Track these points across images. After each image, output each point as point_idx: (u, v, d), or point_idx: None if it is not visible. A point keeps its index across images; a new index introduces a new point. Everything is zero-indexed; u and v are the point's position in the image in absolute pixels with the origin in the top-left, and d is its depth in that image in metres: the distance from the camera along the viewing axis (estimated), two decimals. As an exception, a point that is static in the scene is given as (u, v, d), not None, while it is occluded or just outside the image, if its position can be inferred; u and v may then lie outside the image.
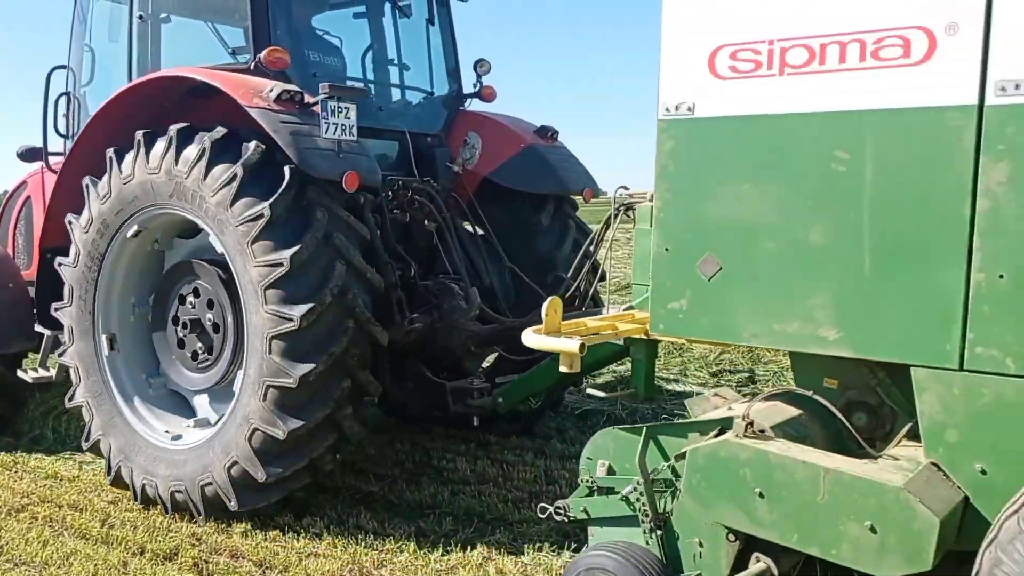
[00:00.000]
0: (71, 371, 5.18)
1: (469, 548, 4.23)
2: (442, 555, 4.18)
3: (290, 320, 4.08)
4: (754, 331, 2.99)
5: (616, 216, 4.04)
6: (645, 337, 3.41)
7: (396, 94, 5.95)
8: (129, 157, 4.73)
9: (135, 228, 4.79)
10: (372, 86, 5.77)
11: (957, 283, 2.58)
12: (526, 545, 4.26)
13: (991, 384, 2.55)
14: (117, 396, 4.99)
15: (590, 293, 4.78)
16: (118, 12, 5.57)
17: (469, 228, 5.80)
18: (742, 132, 2.98)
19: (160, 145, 4.53)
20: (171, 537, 4.39)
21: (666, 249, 3.17)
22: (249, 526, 4.46)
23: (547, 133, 5.91)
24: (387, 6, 5.82)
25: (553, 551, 4.22)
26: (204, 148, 4.33)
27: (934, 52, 2.61)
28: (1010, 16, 2.49)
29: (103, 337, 5.04)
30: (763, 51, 2.91)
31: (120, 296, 5.10)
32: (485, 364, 5.99)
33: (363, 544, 4.27)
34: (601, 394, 4.08)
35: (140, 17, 5.27)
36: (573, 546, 4.18)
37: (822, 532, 2.63)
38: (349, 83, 5.50)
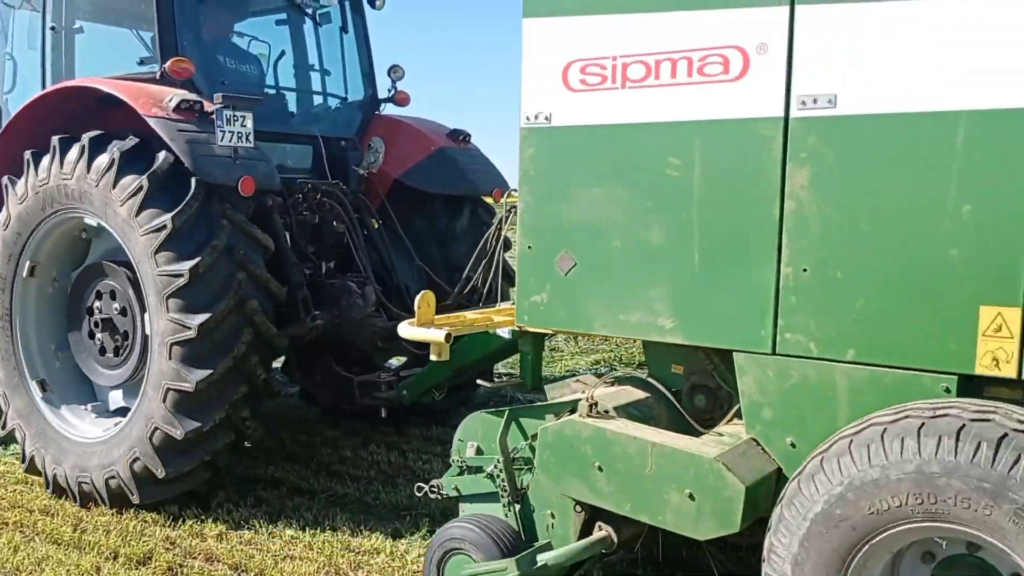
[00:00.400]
0: None
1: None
2: (419, 556, 4.13)
3: (188, 328, 4.28)
4: (604, 322, 3.28)
5: (507, 218, 4.30)
6: (517, 329, 3.68)
7: (313, 100, 6.16)
8: (45, 161, 4.89)
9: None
10: (287, 92, 5.98)
11: (769, 276, 2.89)
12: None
13: (797, 367, 2.86)
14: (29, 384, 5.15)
15: (497, 289, 5.04)
16: (36, 21, 5.71)
17: (392, 230, 6.02)
18: (591, 140, 3.27)
19: (73, 152, 4.69)
20: (144, 541, 4.37)
21: (528, 247, 3.44)
22: (224, 528, 4.49)
23: (459, 136, 6.16)
24: (304, 14, 6.02)
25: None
26: (114, 158, 4.50)
27: (748, 69, 2.91)
28: (809, 38, 2.80)
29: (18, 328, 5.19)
30: (608, 66, 3.20)
31: (38, 284, 5.23)
32: (397, 361, 6.23)
33: (339, 546, 4.28)
34: (488, 384, 4.35)
35: (52, 28, 5.42)
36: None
37: (650, 501, 2.92)
38: (266, 90, 5.71)
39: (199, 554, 4.25)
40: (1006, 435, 2.27)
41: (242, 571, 4.08)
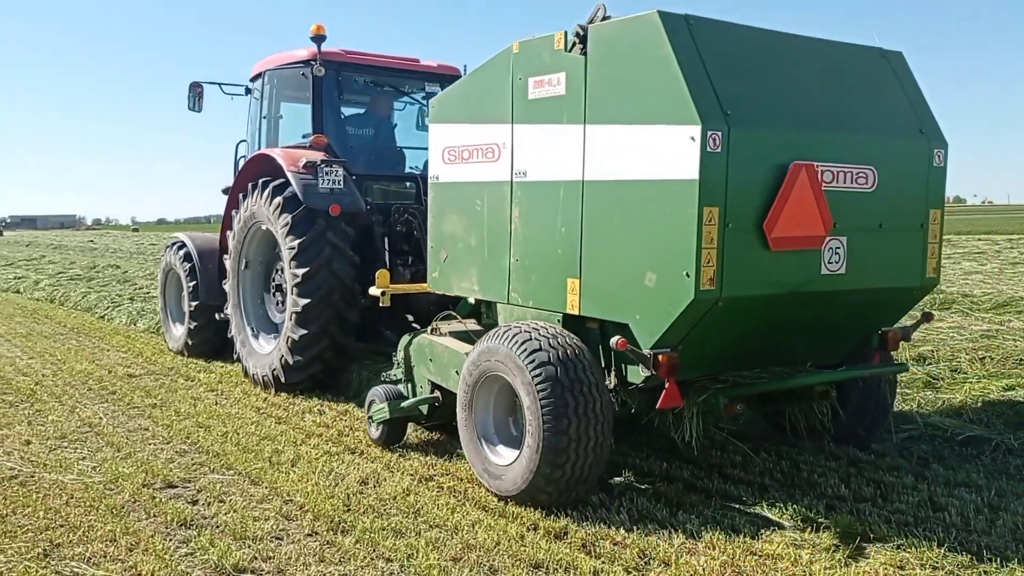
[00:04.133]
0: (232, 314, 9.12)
1: (851, 565, 4.16)
2: (826, 569, 4.10)
3: (298, 307, 7.64)
4: (457, 288, 6.11)
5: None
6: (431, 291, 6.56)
7: (416, 152, 9.31)
8: (250, 196, 8.58)
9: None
10: (398, 148, 9.25)
11: (506, 263, 5.56)
12: (918, 570, 4.10)
13: (516, 310, 5.53)
14: (244, 323, 8.90)
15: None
16: (255, 106, 9.54)
17: None
18: (452, 190, 6.11)
19: (258, 190, 8.30)
20: (557, 518, 4.70)
21: (431, 246, 6.35)
22: (627, 516, 4.73)
23: None
24: (405, 99, 9.27)
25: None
26: (273, 195, 8.01)
27: (500, 156, 5.62)
28: (518, 142, 5.45)
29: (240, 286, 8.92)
30: (458, 151, 6.04)
31: (253, 266, 8.95)
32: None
33: (741, 548, 4.32)
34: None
35: (264, 117, 9.20)
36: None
37: (446, 375, 5.74)
38: (381, 147, 9.06)
39: (608, 536, 4.49)
40: (527, 336, 4.85)
41: (649, 558, 4.24)
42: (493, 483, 5.06)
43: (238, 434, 6.58)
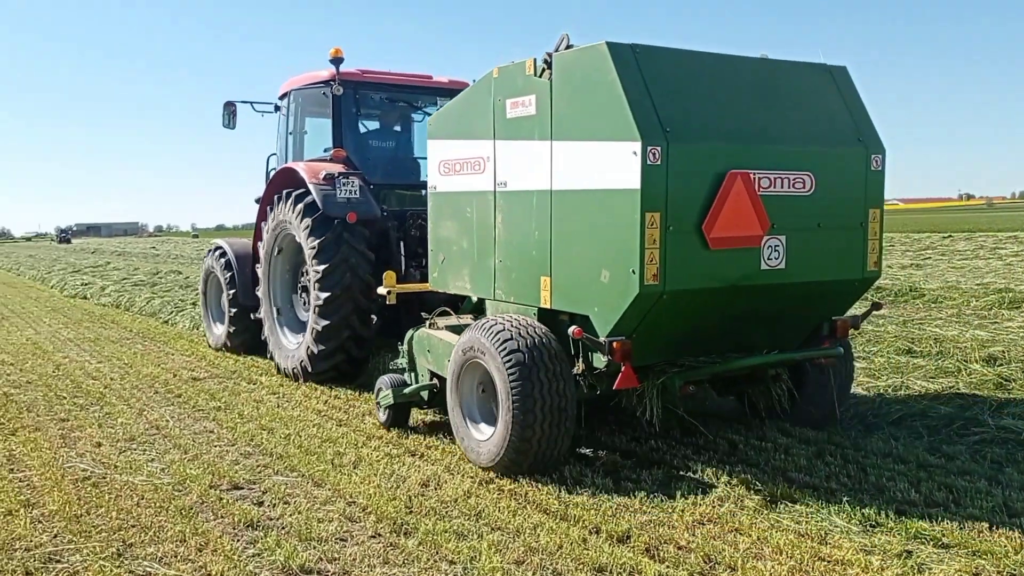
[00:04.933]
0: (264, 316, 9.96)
1: (924, 571, 4.06)
2: (898, 575, 4.02)
3: (320, 300, 8.42)
4: (455, 286, 6.81)
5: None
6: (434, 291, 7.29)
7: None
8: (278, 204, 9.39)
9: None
10: (414, 159, 9.99)
11: (492, 264, 6.25)
12: None
13: (500, 305, 6.22)
14: (276, 324, 9.73)
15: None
16: (281, 122, 10.38)
17: None
18: (447, 199, 6.82)
19: (283, 199, 9.11)
20: (619, 521, 4.69)
21: (432, 249, 7.07)
22: (690, 519, 4.71)
23: None
24: (419, 113, 10.01)
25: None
26: (296, 204, 8.81)
27: (485, 168, 6.31)
28: (499, 156, 6.14)
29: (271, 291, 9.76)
30: (451, 164, 6.74)
31: (281, 271, 9.78)
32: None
33: (808, 553, 4.23)
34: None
35: (290, 133, 10.03)
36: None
37: (441, 364, 6.45)
38: (397, 158, 9.81)
39: (671, 540, 4.43)
40: (501, 328, 5.54)
41: (714, 563, 4.18)
42: (475, 456, 5.76)
43: (300, 436, 6.75)
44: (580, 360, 5.61)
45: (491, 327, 5.60)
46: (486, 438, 5.68)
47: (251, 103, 10.79)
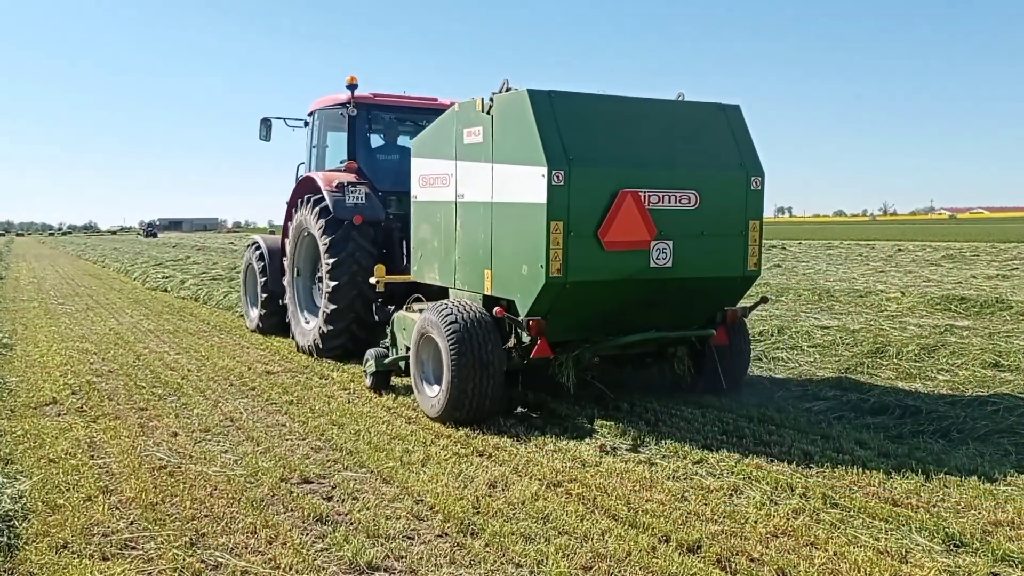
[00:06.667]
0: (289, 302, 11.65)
1: None
2: None
3: (330, 287, 10.06)
4: (429, 278, 8.38)
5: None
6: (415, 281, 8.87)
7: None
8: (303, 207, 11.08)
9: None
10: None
11: (453, 258, 7.81)
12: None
13: (459, 292, 7.78)
14: (297, 308, 11.41)
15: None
16: (304, 135, 12.11)
17: None
18: (424, 207, 8.40)
19: (304, 203, 10.79)
20: (691, 530, 4.55)
21: (413, 247, 8.66)
22: (764, 531, 4.56)
23: None
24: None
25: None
26: (313, 207, 10.48)
27: (450, 182, 7.87)
28: (460, 173, 7.70)
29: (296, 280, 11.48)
30: (427, 178, 8.32)
31: (302, 263, 11.47)
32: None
33: (887, 571, 4.10)
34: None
35: (314, 146, 11.73)
36: None
37: (409, 339, 8.03)
38: (403, 169, 11.42)
39: (743, 552, 4.28)
40: (448, 309, 7.09)
41: None
42: (428, 409, 7.32)
43: (370, 432, 6.79)
44: (513, 336, 7.13)
45: (440, 309, 7.17)
46: (435, 395, 7.24)
47: (284, 119, 12.52)
